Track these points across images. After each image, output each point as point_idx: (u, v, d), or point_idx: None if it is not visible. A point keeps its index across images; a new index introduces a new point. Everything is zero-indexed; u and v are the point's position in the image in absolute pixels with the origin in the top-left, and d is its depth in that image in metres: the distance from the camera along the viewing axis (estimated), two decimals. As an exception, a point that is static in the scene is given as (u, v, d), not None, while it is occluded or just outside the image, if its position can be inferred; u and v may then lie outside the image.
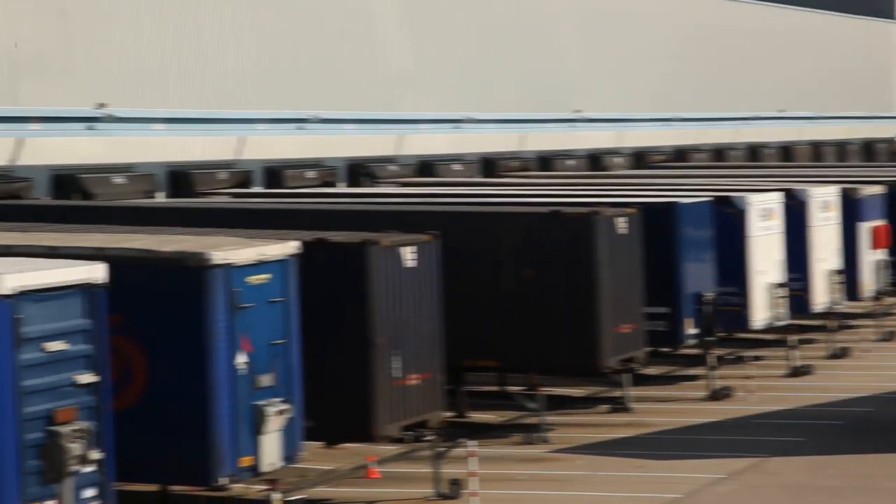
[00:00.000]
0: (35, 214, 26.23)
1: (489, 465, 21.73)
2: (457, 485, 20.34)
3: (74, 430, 15.17)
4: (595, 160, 49.36)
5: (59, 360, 15.53)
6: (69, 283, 15.72)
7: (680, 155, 53.28)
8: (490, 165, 44.79)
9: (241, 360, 18.11)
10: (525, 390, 25.84)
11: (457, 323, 22.95)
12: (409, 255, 20.83)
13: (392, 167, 40.98)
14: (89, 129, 32.35)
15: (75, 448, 15.09)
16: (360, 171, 40.06)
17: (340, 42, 40.32)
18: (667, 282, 27.73)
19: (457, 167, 43.24)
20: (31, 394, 15.07)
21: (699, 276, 28.51)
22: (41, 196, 31.30)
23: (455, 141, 44.25)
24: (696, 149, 54.71)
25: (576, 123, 48.81)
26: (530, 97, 47.96)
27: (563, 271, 25.01)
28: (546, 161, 47.40)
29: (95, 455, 15.45)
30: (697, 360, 29.07)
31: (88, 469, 15.38)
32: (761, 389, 27.89)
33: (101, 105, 32.63)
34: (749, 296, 30.05)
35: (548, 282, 25.01)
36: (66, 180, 31.93)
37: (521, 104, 47.45)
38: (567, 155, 48.55)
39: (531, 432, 24.11)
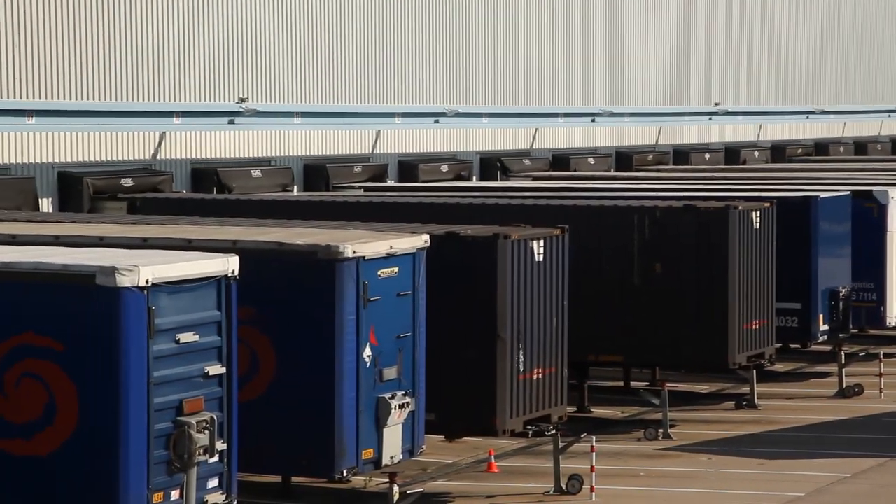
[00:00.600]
0: (174, 207, 26.90)
1: (610, 461, 21.84)
2: (577, 480, 20.47)
3: (201, 421, 15.50)
4: (732, 154, 48.96)
5: (190, 352, 15.81)
6: (202, 276, 15.97)
7: (820, 149, 52.58)
8: (625, 159, 44.71)
9: (367, 352, 18.43)
10: (649, 386, 25.88)
11: (582, 317, 23.08)
12: (538, 249, 20.94)
13: (526, 161, 41.14)
14: (230, 124, 33.04)
15: (202, 438, 15.41)
16: (493, 164, 40.31)
17: (477, 36, 40.58)
18: (800, 277, 27.51)
19: (591, 161, 43.25)
20: (161, 384, 15.40)
21: (834, 272, 28.23)
22: (181, 189, 32.09)
23: (590, 134, 44.24)
24: (837, 142, 53.96)
25: (713, 116, 48.42)
26: (667, 90, 47.72)
27: (694, 265, 24.94)
28: (682, 154, 47.14)
29: (220, 446, 15.80)
30: (828, 357, 28.79)
31: (213, 459, 15.72)
32: (892, 388, 27.53)
33: (242, 100, 33.29)
34: (886, 292, 29.65)
35: (678, 276, 24.96)
36: (205, 174, 32.69)
37: (658, 97, 47.25)
38: (704, 148, 48.23)
39: (654, 428, 24.14)
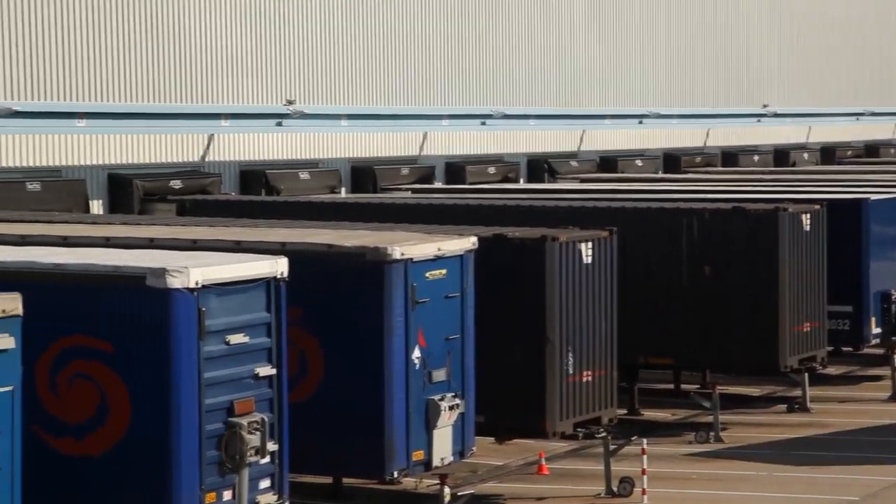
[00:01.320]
0: (223, 209, 27.00)
1: (661, 464, 21.74)
2: (628, 483, 20.39)
3: (252, 422, 15.54)
4: (781, 156, 48.69)
5: (240, 353, 15.85)
6: (252, 277, 16.01)
7: (871, 150, 52.21)
8: (673, 161, 44.54)
9: (416, 354, 18.42)
10: (700, 389, 25.74)
11: (632, 320, 23.00)
12: (586, 251, 20.88)
13: (573, 163, 41.06)
14: (278, 126, 33.14)
15: (253, 439, 15.45)
16: (540, 166, 40.25)
17: (525, 38, 40.54)
18: (851, 280, 27.32)
19: (639, 163, 43.12)
20: (212, 385, 15.45)
21: (886, 274, 28.02)
22: (230, 191, 32.22)
23: (637, 136, 44.11)
24: (888, 144, 53.55)
25: (762, 118, 48.18)
26: (716, 91, 47.52)
27: (744, 268, 24.83)
28: (731, 156, 46.93)
29: (272, 446, 15.83)
30: (881, 361, 28.55)
31: (265, 460, 15.76)
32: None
33: (290, 102, 33.39)
34: (939, 295, 29.33)
35: (728, 279, 24.86)
36: (253, 176, 32.81)
37: (707, 98, 47.06)
38: (753, 150, 47.99)
39: (705, 431, 24.02)
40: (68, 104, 29.22)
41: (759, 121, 48.04)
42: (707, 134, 46.96)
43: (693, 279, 24.99)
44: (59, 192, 28.67)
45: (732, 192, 29.94)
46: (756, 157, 47.50)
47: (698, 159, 45.39)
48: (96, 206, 29.75)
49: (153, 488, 15.19)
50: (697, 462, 22.63)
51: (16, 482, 13.54)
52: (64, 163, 29.48)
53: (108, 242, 18.74)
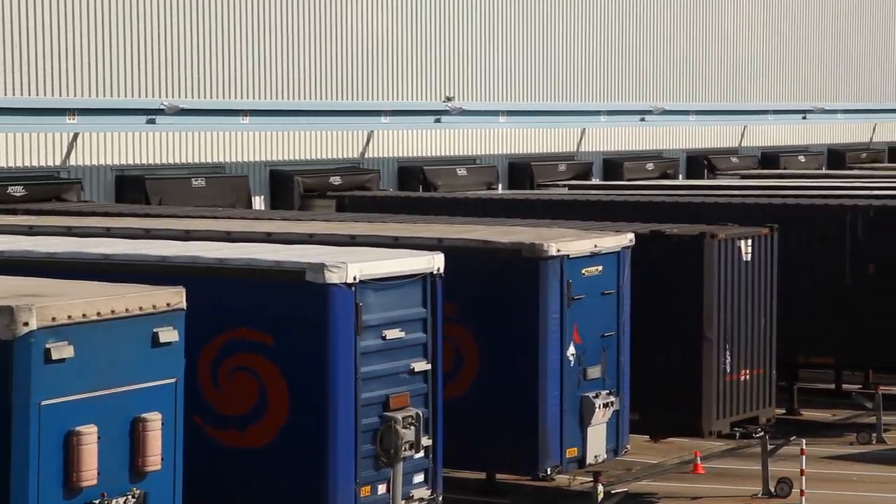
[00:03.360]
0: (381, 205, 27.26)
1: (821, 465, 21.40)
2: (786, 483, 20.11)
3: (407, 417, 15.65)
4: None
5: (396, 348, 15.97)
6: (408, 273, 16.12)
7: None
8: (837, 157, 43.74)
9: (571, 351, 18.39)
10: (862, 389, 25.26)
11: (792, 318, 22.66)
12: (746, 248, 20.65)
13: (734, 159, 40.57)
14: (436, 122, 33.35)
15: (408, 434, 15.56)
16: (700, 162, 39.85)
17: (685, 32, 40.17)
18: None
19: (801, 159, 42.42)
20: (368, 380, 15.58)
21: None
22: (388, 187, 32.52)
23: (800, 131, 43.41)
24: None
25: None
26: (882, 84, 46.53)
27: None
28: (898, 152, 45.97)
29: (426, 441, 15.93)
30: None
31: (419, 455, 15.86)
32: None
33: (449, 98, 33.57)
34: None
35: (892, 277, 24.35)
36: (411, 172, 33.06)
37: (873, 92, 46.11)
38: (921, 145, 46.95)
39: (867, 432, 23.57)
40: (232, 102, 29.81)
41: (928, 115, 46.98)
42: (874, 129, 46.00)
43: (857, 277, 24.55)
44: (222, 187, 29.24)
45: (898, 189, 29.31)
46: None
47: (864, 155, 44.49)
48: (258, 202, 30.29)
49: (310, 481, 15.39)
50: (859, 464, 22.22)
51: (178, 473, 13.86)
52: (227, 159, 30.07)
53: (269, 238, 19.05)
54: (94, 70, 27.98)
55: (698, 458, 20.11)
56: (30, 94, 26.96)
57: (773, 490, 20.17)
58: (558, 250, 18.32)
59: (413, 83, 33.45)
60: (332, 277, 15.38)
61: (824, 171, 41.56)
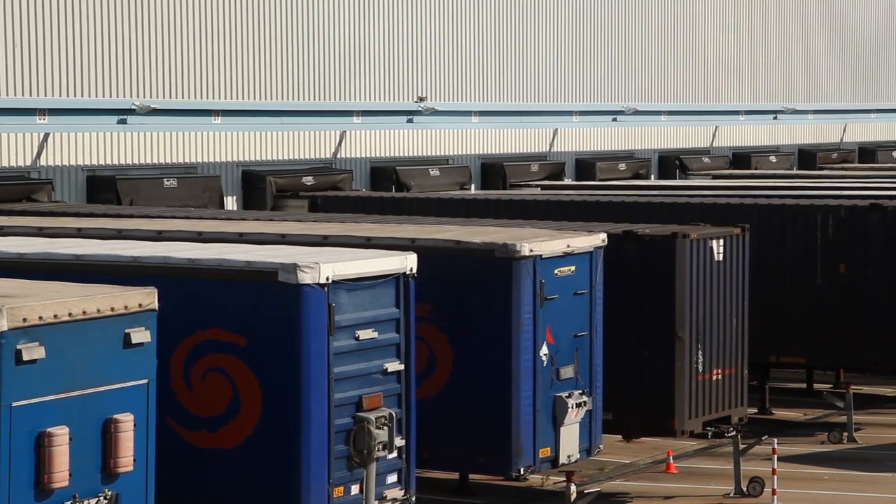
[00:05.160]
0: (354, 205, 27.23)
1: (792, 464, 21.46)
2: (758, 483, 20.16)
3: (380, 417, 15.65)
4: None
5: (369, 348, 15.97)
6: (381, 273, 16.14)
7: None
8: (808, 157, 43.92)
9: (544, 351, 18.41)
10: (833, 388, 25.36)
11: (763, 318, 22.72)
12: (717, 248, 20.71)
13: (705, 159, 40.69)
14: (409, 123, 33.34)
15: (381, 434, 15.56)
16: (672, 163, 39.95)
17: (656, 33, 40.27)
18: None
19: (772, 159, 42.58)
20: (341, 380, 15.58)
21: None
22: (360, 187, 32.48)
23: (772, 132, 43.57)
24: None
25: (901, 113, 47.34)
26: (853, 85, 46.75)
27: (880, 266, 24.41)
28: (868, 152, 46.13)
29: (399, 442, 15.93)
30: None
31: (392, 455, 15.87)
32: None
33: (421, 99, 33.56)
34: None
35: (863, 276, 24.46)
36: (383, 172, 33.04)
37: (844, 93, 46.31)
38: (892, 146, 47.12)
39: (838, 431, 23.66)
40: (204, 102, 29.72)
41: (897, 115, 47.21)
42: (844, 129, 46.21)
43: (828, 277, 24.63)
44: (194, 188, 29.17)
45: (870, 189, 29.43)
46: (895, 153, 46.62)
47: (834, 155, 44.69)
48: (230, 202, 30.22)
49: (283, 482, 15.37)
50: (830, 463, 22.30)
51: (150, 474, 13.81)
52: (199, 159, 29.99)
53: (241, 238, 19.01)
54: (66, 70, 27.87)
55: (671, 458, 20.15)
56: (0, 95, 26.83)
57: (745, 489, 20.22)
58: (531, 250, 18.36)
59: (385, 83, 33.43)
60: (305, 278, 15.37)
61: (795, 171, 41.72)
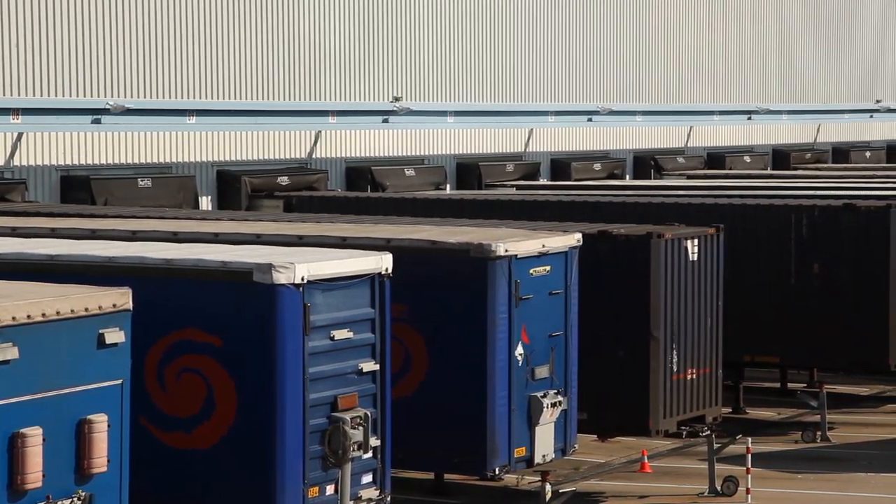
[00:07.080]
0: (329, 206, 27.21)
1: (766, 463, 21.55)
2: (732, 482, 20.23)
3: (355, 417, 15.64)
4: (895, 152, 47.94)
5: (344, 348, 15.95)
6: (356, 273, 16.12)
7: None
8: (782, 157, 44.07)
9: (519, 351, 18.44)
10: (807, 387, 25.46)
11: (737, 317, 22.81)
12: (692, 248, 20.77)
13: (680, 159, 40.79)
14: (384, 122, 33.33)
15: (356, 434, 15.55)
16: (647, 163, 40.04)
17: (631, 34, 40.35)
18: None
19: (747, 159, 42.72)
20: (316, 380, 15.56)
21: None
22: (336, 188, 32.46)
23: (746, 132, 43.71)
24: None
25: (875, 114, 47.48)
26: (827, 86, 46.92)
27: (853, 266, 24.53)
28: (842, 153, 46.31)
29: (374, 442, 15.93)
30: None
31: (367, 455, 15.87)
32: None
33: (396, 99, 33.56)
34: None
35: (837, 276, 24.57)
36: (359, 172, 33.03)
37: (817, 94, 46.48)
38: (865, 146, 47.31)
39: (812, 430, 23.76)
40: (178, 102, 29.66)
41: (871, 116, 47.33)
42: (818, 130, 46.38)
43: (801, 277, 24.73)
44: (169, 188, 29.11)
45: (843, 189, 29.56)
46: (868, 154, 46.81)
47: (808, 156, 44.85)
48: (205, 202, 30.16)
49: (258, 482, 15.35)
50: (804, 462, 22.39)
51: (124, 475, 13.79)
52: (174, 159, 29.92)
53: (216, 238, 18.98)
54: (39, 69, 27.77)
55: (645, 457, 20.19)
56: (-27, 94, 26.74)
57: (719, 488, 20.29)
58: (506, 250, 18.38)
59: (360, 83, 33.41)
60: (280, 278, 15.36)
61: (769, 171, 41.86)
